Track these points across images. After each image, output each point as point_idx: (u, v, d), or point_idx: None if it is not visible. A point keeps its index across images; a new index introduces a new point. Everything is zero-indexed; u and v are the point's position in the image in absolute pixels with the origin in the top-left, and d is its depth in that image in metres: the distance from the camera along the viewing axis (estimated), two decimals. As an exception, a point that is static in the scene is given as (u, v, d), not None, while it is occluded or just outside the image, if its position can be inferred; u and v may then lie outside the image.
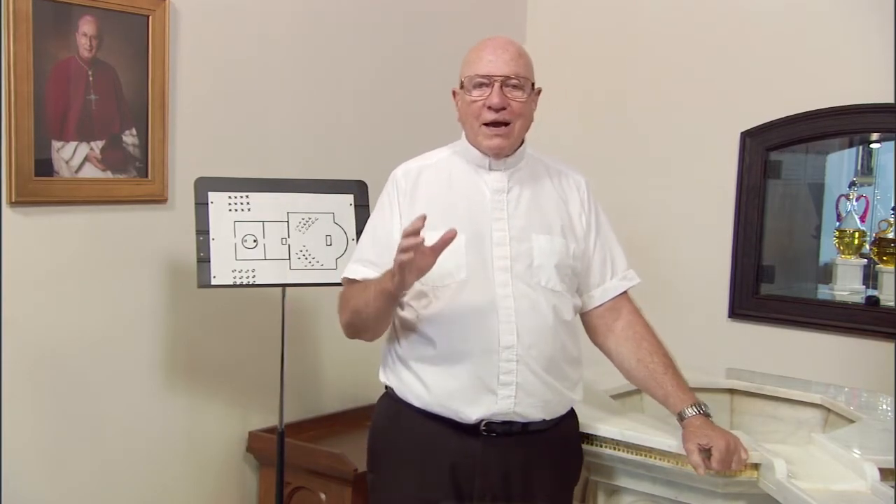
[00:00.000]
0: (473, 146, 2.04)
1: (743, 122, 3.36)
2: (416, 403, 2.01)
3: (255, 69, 2.99)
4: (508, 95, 1.96)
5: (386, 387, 2.11)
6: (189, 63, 2.79)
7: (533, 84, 2.02)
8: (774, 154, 3.38)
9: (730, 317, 3.43)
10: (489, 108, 1.96)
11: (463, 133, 2.08)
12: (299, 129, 3.14)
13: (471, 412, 1.95)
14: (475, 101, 1.98)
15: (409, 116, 3.39)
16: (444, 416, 1.98)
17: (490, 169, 2.04)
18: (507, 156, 2.03)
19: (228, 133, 2.93)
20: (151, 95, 2.69)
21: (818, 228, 3.68)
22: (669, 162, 3.55)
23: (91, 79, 2.56)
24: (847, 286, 3.51)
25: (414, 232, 1.75)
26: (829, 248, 3.64)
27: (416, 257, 1.77)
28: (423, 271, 1.82)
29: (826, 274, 3.62)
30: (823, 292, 3.56)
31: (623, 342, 2.12)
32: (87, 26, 2.53)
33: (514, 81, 1.96)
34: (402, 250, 1.77)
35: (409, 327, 2.02)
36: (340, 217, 2.66)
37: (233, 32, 2.92)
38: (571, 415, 2.12)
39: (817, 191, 3.68)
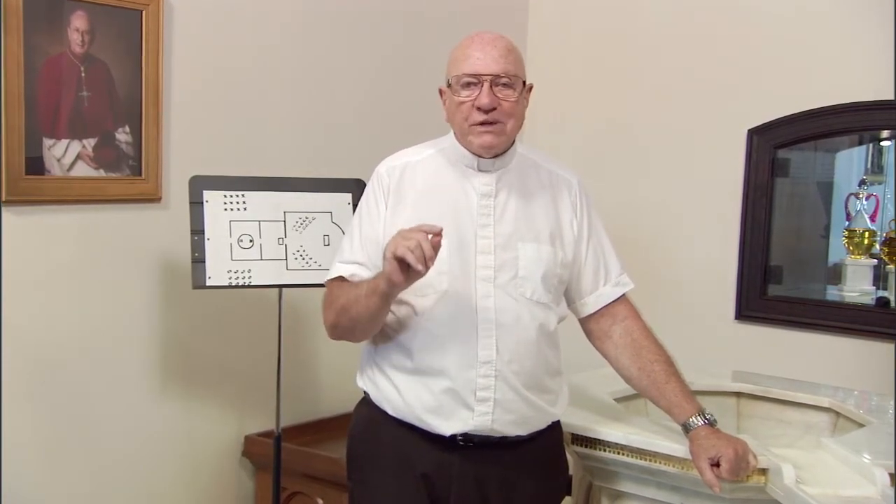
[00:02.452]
0: (463, 146, 1.99)
1: (750, 119, 3.35)
2: (391, 412, 1.98)
3: (252, 65, 2.99)
4: (499, 95, 1.90)
5: (364, 392, 2.08)
6: (184, 59, 2.78)
7: (524, 81, 1.96)
8: (782, 152, 3.36)
9: (736, 318, 3.42)
10: (478, 108, 1.90)
11: (451, 133, 2.03)
12: (297, 126, 3.13)
13: (445, 427, 1.93)
14: (464, 102, 1.91)
15: (409, 115, 3.39)
16: (418, 427, 1.96)
17: (479, 170, 1.99)
18: (498, 155, 1.99)
19: (224, 130, 2.92)
20: (145, 92, 2.68)
21: (827, 228, 3.66)
22: (675, 160, 3.54)
23: (83, 75, 2.55)
24: (856, 287, 3.49)
25: (434, 232, 1.73)
26: (838, 248, 3.62)
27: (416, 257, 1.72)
28: (420, 275, 1.77)
29: (835, 274, 3.60)
30: (832, 293, 3.54)
31: (622, 350, 2.09)
32: (79, 21, 2.52)
33: (504, 80, 1.90)
34: (418, 252, 1.71)
35: (386, 334, 1.99)
36: (338, 217, 2.65)
37: (228, 28, 2.91)
38: (556, 426, 2.10)
39: (826, 189, 3.66)
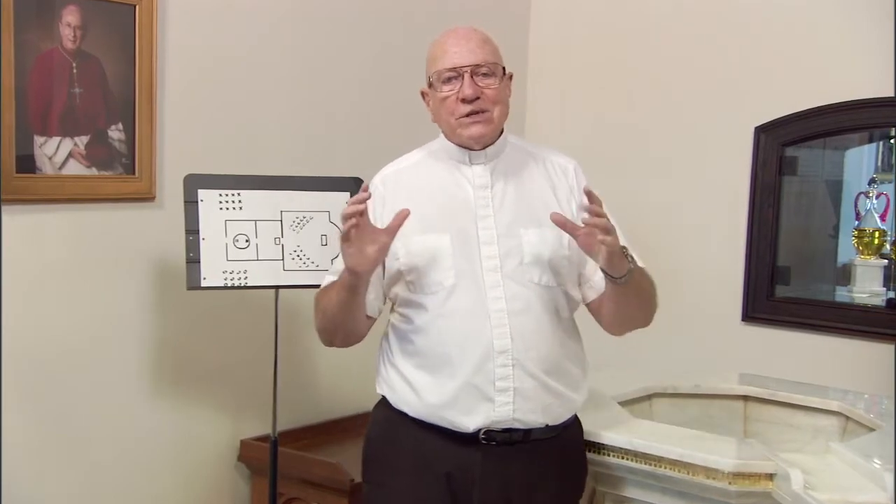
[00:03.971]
0: (453, 143, 2.02)
1: (757, 116, 3.35)
2: (411, 413, 2.00)
3: (248, 61, 2.98)
4: (480, 84, 1.94)
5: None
6: (178, 55, 2.78)
7: (504, 69, 2.00)
8: (790, 150, 3.36)
9: (743, 320, 3.42)
10: (462, 100, 1.94)
11: (441, 134, 2.06)
12: (293, 123, 3.13)
13: (468, 422, 1.94)
14: (447, 97, 1.96)
15: (408, 112, 3.35)
16: (440, 425, 1.97)
17: (471, 163, 2.02)
18: (488, 145, 2.01)
19: (219, 128, 2.92)
20: (139, 89, 2.68)
21: (836, 227, 3.66)
22: (680, 159, 3.54)
23: (75, 71, 2.55)
24: (866, 288, 3.49)
25: (357, 201, 1.79)
26: (847, 248, 3.62)
27: (365, 236, 1.81)
28: (379, 254, 1.85)
29: (844, 275, 3.60)
30: (842, 294, 3.54)
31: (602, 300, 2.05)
32: (70, 16, 2.52)
33: (484, 69, 1.95)
34: (344, 217, 1.80)
35: (400, 335, 2.02)
36: (336, 216, 2.64)
37: (224, 23, 2.91)
38: (574, 423, 2.11)
39: (835, 188, 3.66)
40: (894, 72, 2.97)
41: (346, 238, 1.83)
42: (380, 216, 2.02)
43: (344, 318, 1.99)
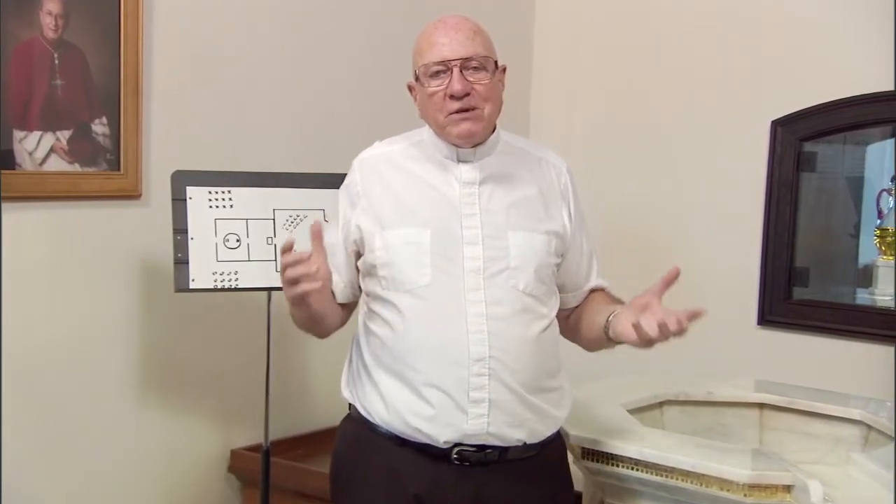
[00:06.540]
0: (441, 139, 1.99)
1: (774, 110, 3.34)
2: (380, 423, 1.98)
3: (239, 53, 2.98)
4: (470, 79, 1.91)
5: (350, 406, 2.09)
6: (166, 45, 2.78)
7: (496, 62, 1.97)
8: (809, 145, 3.36)
9: (759, 324, 3.41)
10: (451, 96, 1.90)
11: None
12: (287, 118, 3.13)
13: (438, 434, 1.92)
14: (435, 93, 1.92)
15: (404, 107, 3.32)
16: (410, 439, 1.95)
17: (458, 161, 1.99)
18: (479, 144, 1.99)
19: (209, 122, 2.91)
20: (124, 80, 2.67)
21: (857, 226, 3.66)
22: (693, 155, 3.54)
23: (57, 62, 2.55)
24: (889, 290, 3.49)
25: (290, 255, 1.82)
26: (869, 247, 3.62)
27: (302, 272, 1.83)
28: (323, 276, 1.86)
29: (866, 276, 3.60)
30: (863, 297, 3.55)
31: (579, 313, 2.12)
32: (51, 4, 2.51)
33: (474, 63, 1.92)
34: (289, 282, 1.84)
35: (370, 334, 2.00)
36: (332, 214, 2.64)
37: (214, 11, 2.91)
38: (556, 439, 2.08)
39: (856, 185, 3.66)
40: (894, 66, 2.96)
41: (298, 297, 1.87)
42: (351, 203, 2.04)
43: (313, 325, 2.05)
